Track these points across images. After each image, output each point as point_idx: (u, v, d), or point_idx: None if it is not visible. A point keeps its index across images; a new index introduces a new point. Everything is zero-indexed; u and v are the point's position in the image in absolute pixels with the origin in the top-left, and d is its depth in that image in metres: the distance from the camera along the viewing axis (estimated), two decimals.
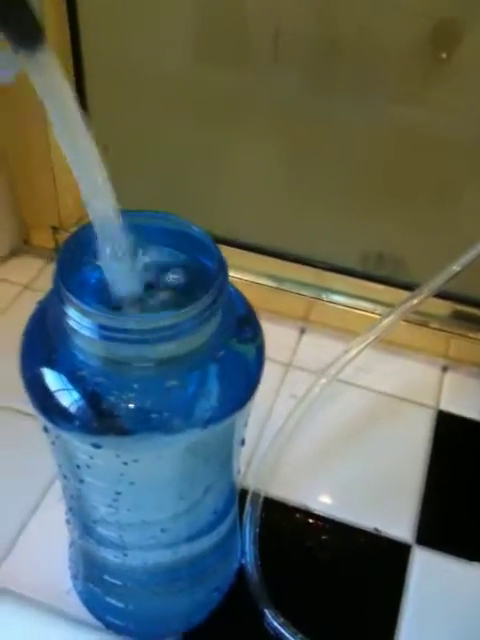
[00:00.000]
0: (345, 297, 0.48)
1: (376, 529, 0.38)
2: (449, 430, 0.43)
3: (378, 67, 0.40)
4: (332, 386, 0.40)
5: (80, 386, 0.21)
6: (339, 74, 0.41)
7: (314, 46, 0.41)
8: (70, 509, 0.28)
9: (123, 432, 0.21)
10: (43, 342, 0.22)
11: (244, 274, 0.48)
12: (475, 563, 0.36)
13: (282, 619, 0.33)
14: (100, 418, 0.21)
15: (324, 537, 0.37)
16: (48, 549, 0.35)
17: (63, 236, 0.49)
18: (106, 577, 0.29)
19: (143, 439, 0.21)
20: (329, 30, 0.40)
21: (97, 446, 0.21)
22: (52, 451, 0.24)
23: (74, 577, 0.32)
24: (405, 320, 0.43)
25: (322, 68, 0.42)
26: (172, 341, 0.21)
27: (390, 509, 0.39)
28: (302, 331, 0.49)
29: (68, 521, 0.30)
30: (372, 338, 0.40)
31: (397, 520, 0.38)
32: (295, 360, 0.47)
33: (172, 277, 0.23)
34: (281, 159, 0.46)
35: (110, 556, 0.27)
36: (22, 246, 0.51)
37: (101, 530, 0.26)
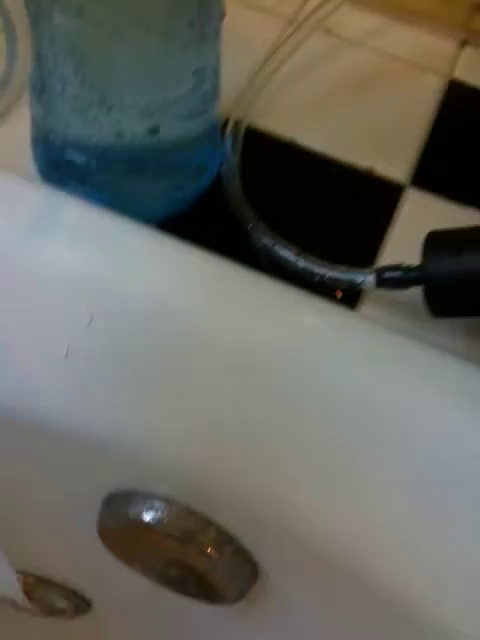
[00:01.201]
0: None
1: (370, 168, 0.35)
2: (459, 96, 0.39)
3: None
4: (341, 46, 0.36)
5: None
6: None
7: None
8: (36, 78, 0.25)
9: None
10: None
11: None
12: (464, 205, 0.34)
13: (263, 226, 0.31)
14: None
15: (311, 171, 0.35)
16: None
17: None
18: (68, 153, 0.26)
19: None
20: None
21: None
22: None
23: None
24: None
25: None
26: None
27: (387, 152, 0.35)
28: None
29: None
30: None
31: (393, 162, 0.35)
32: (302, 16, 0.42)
33: None
34: None
35: (79, 127, 0.25)
36: None
37: (72, 89, 0.23)
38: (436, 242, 0.27)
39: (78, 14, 0.23)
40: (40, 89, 0.26)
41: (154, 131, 0.27)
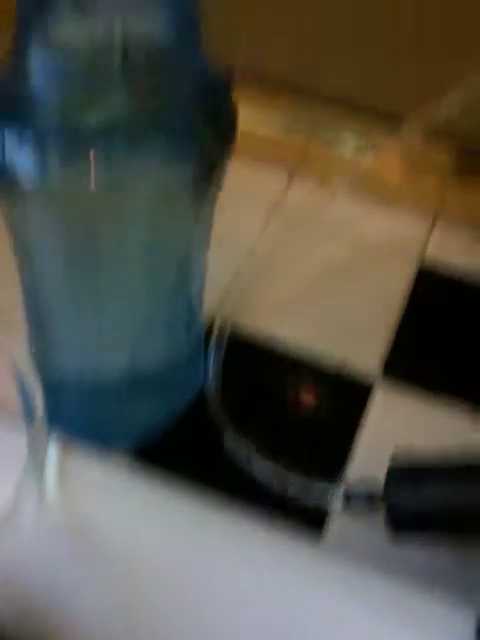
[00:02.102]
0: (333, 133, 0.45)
1: (342, 363, 0.37)
2: (430, 281, 0.42)
3: None
4: (314, 228, 0.39)
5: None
6: None
7: None
8: (28, 310, 0.28)
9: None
10: None
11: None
12: (434, 398, 0.36)
13: (238, 436, 0.33)
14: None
15: (288, 367, 0.37)
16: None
17: None
18: (62, 377, 0.29)
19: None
20: None
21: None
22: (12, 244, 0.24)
23: None
24: (397, 162, 0.42)
25: None
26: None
27: (359, 347, 0.38)
28: (290, 177, 0.47)
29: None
30: (354, 173, 0.38)
31: (364, 357, 0.38)
32: (283, 201, 0.45)
33: None
34: None
35: (68, 356, 0.27)
36: None
37: (58, 323, 0.26)
38: (397, 472, 0.29)
39: (61, 273, 0.26)
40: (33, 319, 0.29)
41: (135, 362, 0.30)
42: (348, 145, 0.45)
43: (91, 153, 0.20)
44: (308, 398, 0.37)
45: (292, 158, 0.46)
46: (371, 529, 0.31)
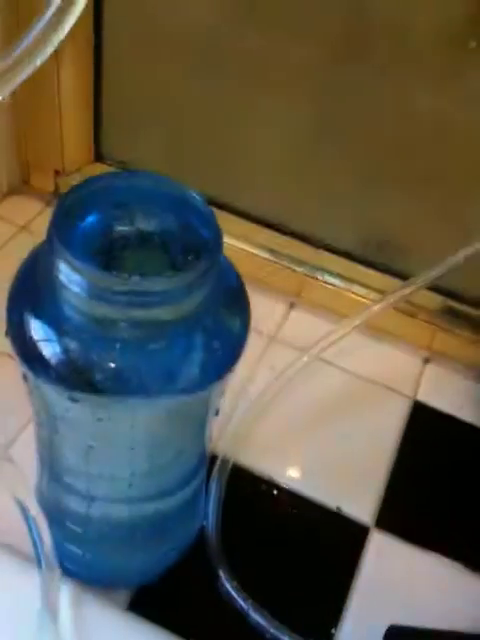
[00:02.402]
0: (339, 279, 0.48)
1: (338, 508, 0.39)
2: (423, 421, 0.44)
3: (408, 49, 0.39)
4: (313, 363, 0.40)
5: (63, 340, 0.21)
6: (368, 49, 0.40)
7: (344, 16, 0.40)
8: (41, 457, 0.28)
9: (98, 391, 0.21)
10: (32, 290, 0.22)
11: (240, 242, 0.48)
12: (431, 552, 0.37)
13: (235, 583, 0.34)
14: (78, 374, 0.21)
15: (286, 509, 0.38)
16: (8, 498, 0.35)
17: (65, 181, 0.48)
18: (68, 523, 0.29)
19: (119, 401, 0.22)
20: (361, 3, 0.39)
21: (74, 400, 0.22)
22: (30, 399, 0.25)
23: None
24: (394, 308, 0.44)
25: (352, 39, 0.40)
26: (160, 306, 0.21)
27: (354, 490, 0.39)
28: (291, 306, 0.49)
29: (37, 467, 0.30)
30: (358, 322, 0.40)
31: (360, 502, 0.39)
32: (280, 334, 0.47)
33: (166, 241, 0.23)
34: (297, 128, 0.45)
35: (74, 504, 0.28)
36: (22, 186, 0.51)
37: (70, 479, 0.26)
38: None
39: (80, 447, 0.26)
40: (45, 467, 0.29)
41: (144, 508, 0.30)
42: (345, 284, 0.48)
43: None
44: (305, 541, 0.37)
45: (291, 289, 0.48)
46: None
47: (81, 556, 0.31)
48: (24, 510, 0.28)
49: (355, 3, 0.39)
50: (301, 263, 0.48)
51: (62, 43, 0.19)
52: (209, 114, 0.46)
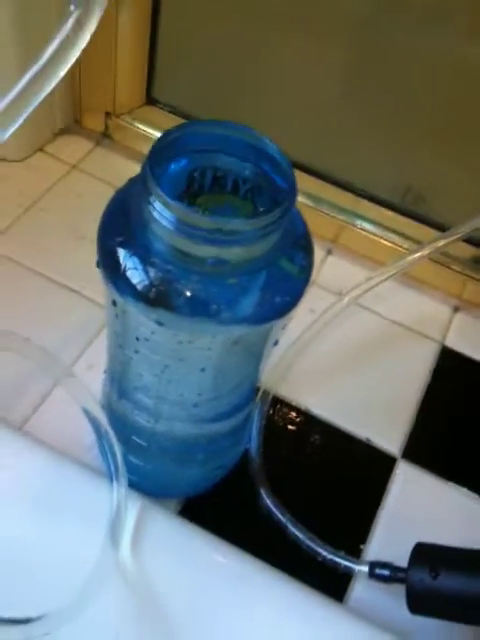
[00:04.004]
0: (375, 227, 0.50)
1: (368, 439, 0.42)
2: (450, 365, 0.47)
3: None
4: (349, 308, 0.43)
5: (150, 269, 0.24)
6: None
7: None
8: (112, 376, 0.31)
9: (180, 312, 0.24)
10: (123, 224, 0.25)
11: None
12: (451, 483, 0.41)
13: (275, 499, 0.38)
14: (162, 299, 0.24)
15: (320, 438, 0.42)
16: (74, 410, 0.39)
17: (115, 122, 0.50)
18: (134, 437, 0.33)
19: (198, 323, 0.24)
20: None
21: (160, 323, 0.24)
22: (112, 323, 0.28)
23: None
24: (428, 258, 0.46)
25: None
26: (238, 245, 0.24)
27: (383, 424, 0.43)
28: (329, 252, 0.51)
29: (105, 385, 0.33)
30: (394, 271, 0.42)
31: (388, 434, 0.42)
32: (318, 278, 0.49)
33: (244, 187, 0.25)
34: (334, 72, 0.46)
35: (142, 420, 0.31)
36: (73, 126, 0.52)
37: (141, 396, 0.30)
38: (420, 557, 0.34)
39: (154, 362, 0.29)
40: (116, 384, 0.33)
41: (204, 428, 0.33)
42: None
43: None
44: (337, 467, 0.41)
45: (330, 235, 0.51)
46: (391, 598, 0.35)
47: (142, 467, 0.34)
48: (94, 422, 0.32)
49: None
50: (340, 210, 0.50)
51: None
52: (255, 63, 0.47)
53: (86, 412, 0.32)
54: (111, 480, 0.32)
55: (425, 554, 0.34)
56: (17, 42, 0.43)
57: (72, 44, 0.22)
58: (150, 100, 0.50)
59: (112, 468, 0.32)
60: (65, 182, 0.50)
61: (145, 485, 0.35)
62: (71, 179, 0.50)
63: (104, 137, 0.52)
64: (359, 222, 0.50)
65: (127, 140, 0.50)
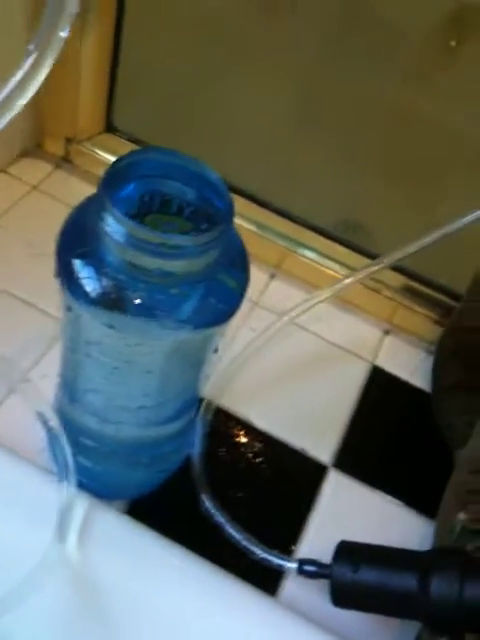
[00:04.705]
0: (315, 254, 0.54)
1: (303, 449, 0.45)
2: (379, 383, 0.51)
3: (392, 42, 0.44)
4: (288, 327, 0.47)
5: (104, 278, 0.27)
6: (355, 39, 0.45)
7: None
8: (64, 380, 0.34)
9: (129, 317, 0.27)
10: (79, 238, 0.28)
11: None
12: (375, 489, 0.44)
13: (214, 501, 0.40)
14: (113, 305, 0.27)
15: (258, 446, 0.45)
16: (28, 416, 0.41)
17: (75, 148, 0.53)
18: (82, 439, 0.35)
19: (144, 326, 0.27)
20: None
21: (111, 327, 0.27)
22: (66, 329, 0.30)
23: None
24: (362, 284, 0.50)
25: (340, 29, 0.46)
26: (181, 259, 0.27)
27: (317, 436, 0.46)
28: (272, 276, 0.55)
29: (57, 391, 0.36)
30: (330, 294, 0.46)
31: (321, 445, 0.46)
32: (261, 300, 0.53)
33: (187, 210, 0.29)
34: (285, 109, 0.50)
35: (91, 422, 0.34)
36: (34, 149, 0.55)
37: (91, 398, 0.32)
38: (342, 553, 0.37)
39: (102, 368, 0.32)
40: (67, 388, 0.35)
41: (150, 431, 0.36)
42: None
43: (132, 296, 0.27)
44: (273, 474, 0.44)
45: (273, 261, 0.54)
46: (318, 593, 0.38)
47: (91, 468, 0.36)
48: (47, 424, 0.34)
49: None
50: (282, 237, 0.54)
51: (86, 14, 0.24)
52: (209, 96, 0.51)
53: (39, 415, 0.34)
54: (61, 480, 0.34)
55: (347, 551, 0.37)
56: None
57: (30, 80, 0.25)
58: (109, 127, 0.54)
59: (62, 467, 0.34)
60: (25, 201, 0.53)
61: (93, 486, 0.37)
62: (31, 199, 0.53)
63: (64, 161, 0.55)
64: (300, 249, 0.54)
65: (86, 165, 0.53)
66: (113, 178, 0.27)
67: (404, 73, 0.45)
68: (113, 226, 0.26)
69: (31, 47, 0.24)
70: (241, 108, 0.51)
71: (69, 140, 0.53)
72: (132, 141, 0.53)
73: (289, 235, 0.54)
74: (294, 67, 0.48)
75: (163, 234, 0.26)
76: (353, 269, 0.53)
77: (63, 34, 0.23)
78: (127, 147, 0.53)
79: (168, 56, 0.50)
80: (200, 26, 0.48)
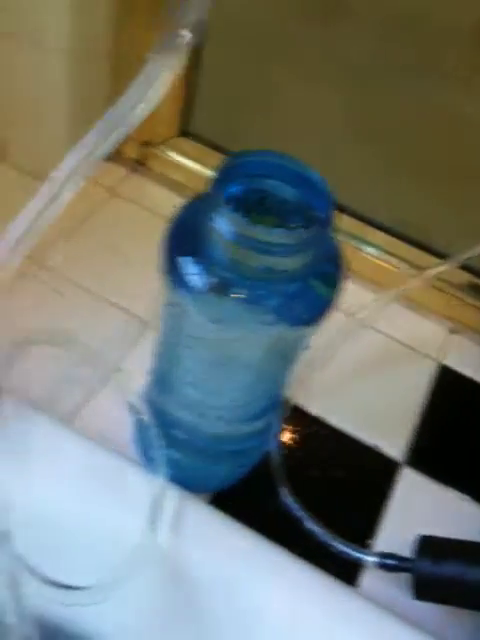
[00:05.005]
0: (377, 250, 0.54)
1: (375, 446, 0.46)
2: (447, 382, 0.51)
3: (437, 49, 0.45)
4: (359, 327, 0.47)
5: (211, 275, 0.28)
6: (404, 48, 0.46)
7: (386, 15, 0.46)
8: (159, 372, 0.35)
9: (234, 309, 0.28)
10: (186, 236, 0.29)
11: None
12: (447, 486, 0.45)
13: (293, 496, 0.41)
14: (221, 298, 0.28)
15: (332, 443, 0.46)
16: (119, 406, 0.42)
17: (150, 151, 0.55)
18: (174, 431, 0.37)
19: (247, 320, 0.28)
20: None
21: (216, 321, 0.28)
22: (167, 324, 0.32)
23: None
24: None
25: (391, 39, 0.47)
26: (283, 256, 0.28)
27: (389, 434, 0.47)
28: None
29: (148, 384, 0.37)
30: (399, 293, 0.47)
31: (393, 443, 0.46)
32: None
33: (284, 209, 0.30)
34: (343, 111, 0.51)
35: (186, 416, 0.35)
36: (111, 153, 0.57)
37: (189, 391, 0.33)
38: (424, 547, 0.37)
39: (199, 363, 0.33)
40: (162, 382, 0.36)
41: (234, 428, 0.37)
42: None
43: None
44: (347, 470, 0.45)
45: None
46: (398, 586, 0.39)
47: (179, 460, 0.38)
48: (137, 415, 0.36)
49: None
50: (346, 234, 0.55)
51: None
52: (277, 105, 0.52)
53: (130, 406, 0.36)
54: (152, 471, 0.35)
55: (428, 544, 0.38)
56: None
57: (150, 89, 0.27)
58: (183, 133, 0.55)
59: (153, 459, 0.35)
60: (105, 207, 0.54)
61: (180, 478, 0.39)
62: (111, 204, 0.54)
63: (138, 164, 0.56)
64: (364, 246, 0.54)
65: (160, 168, 0.55)
66: (221, 178, 0.28)
67: (451, 77, 0.46)
68: (222, 224, 0.27)
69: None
70: (305, 111, 0.52)
71: (145, 144, 0.55)
72: (205, 145, 0.55)
73: (352, 232, 0.55)
74: (351, 72, 0.49)
75: (274, 231, 0.27)
76: (412, 264, 0.53)
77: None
78: (200, 151, 0.54)
79: (240, 64, 0.52)
80: (269, 36, 0.50)
